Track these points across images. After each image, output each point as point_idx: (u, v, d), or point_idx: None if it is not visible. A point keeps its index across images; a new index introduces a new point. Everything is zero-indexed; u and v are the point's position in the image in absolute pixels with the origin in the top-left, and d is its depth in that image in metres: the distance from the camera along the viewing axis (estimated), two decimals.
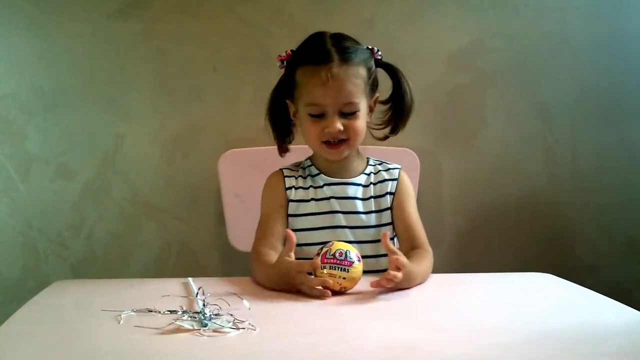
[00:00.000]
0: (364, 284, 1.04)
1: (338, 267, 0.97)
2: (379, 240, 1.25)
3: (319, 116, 1.23)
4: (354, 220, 1.29)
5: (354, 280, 0.99)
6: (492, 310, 0.93)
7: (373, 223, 1.31)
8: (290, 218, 1.30)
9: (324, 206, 1.30)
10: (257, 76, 1.72)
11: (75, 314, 0.92)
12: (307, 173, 1.35)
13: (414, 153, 1.66)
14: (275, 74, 1.71)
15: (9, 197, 1.72)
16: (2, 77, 1.70)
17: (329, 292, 0.99)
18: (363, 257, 1.10)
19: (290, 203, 1.31)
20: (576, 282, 1.09)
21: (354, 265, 0.98)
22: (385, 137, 1.34)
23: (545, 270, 1.17)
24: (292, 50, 1.31)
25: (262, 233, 1.28)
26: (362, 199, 1.31)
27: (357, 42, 1.28)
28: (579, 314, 0.91)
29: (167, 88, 1.72)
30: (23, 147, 1.71)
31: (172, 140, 1.74)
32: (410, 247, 1.27)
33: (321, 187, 1.32)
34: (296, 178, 1.34)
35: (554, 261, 1.78)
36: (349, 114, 1.23)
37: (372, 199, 1.32)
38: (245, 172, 1.67)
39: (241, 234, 1.66)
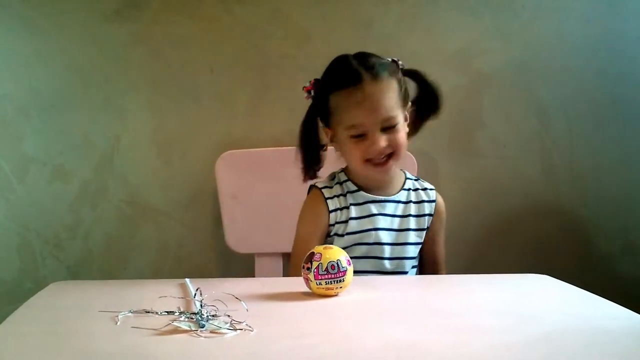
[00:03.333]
0: (363, 284, 1.04)
1: (334, 281, 0.97)
2: (414, 258, 1.32)
3: (361, 136, 1.22)
4: (395, 237, 1.30)
5: (348, 284, 0.99)
6: (489, 311, 0.93)
7: (412, 240, 1.31)
8: (332, 238, 1.30)
9: (365, 224, 1.28)
10: (254, 77, 1.73)
11: (72, 315, 0.91)
12: (345, 190, 1.31)
13: (411, 155, 1.65)
14: (274, 75, 1.72)
15: (6, 199, 1.72)
16: None
17: None
18: (397, 273, 1.22)
19: (336, 225, 1.29)
20: (574, 283, 1.09)
21: (347, 272, 0.98)
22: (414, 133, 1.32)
23: (542, 272, 1.17)
24: (316, 79, 1.29)
25: (300, 256, 1.29)
26: (402, 216, 1.31)
27: (380, 57, 1.27)
28: (576, 315, 0.91)
29: (164, 89, 1.72)
30: (20, 149, 1.71)
31: (169, 141, 1.74)
32: (432, 270, 1.35)
33: (361, 204, 1.30)
34: (338, 197, 1.30)
35: (552, 262, 1.78)
36: (389, 128, 1.22)
37: (412, 217, 1.32)
38: (243, 173, 1.67)
39: (238, 236, 1.66)
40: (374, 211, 1.29)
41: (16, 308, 0.93)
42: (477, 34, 1.75)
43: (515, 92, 1.77)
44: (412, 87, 1.30)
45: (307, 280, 0.99)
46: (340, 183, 1.32)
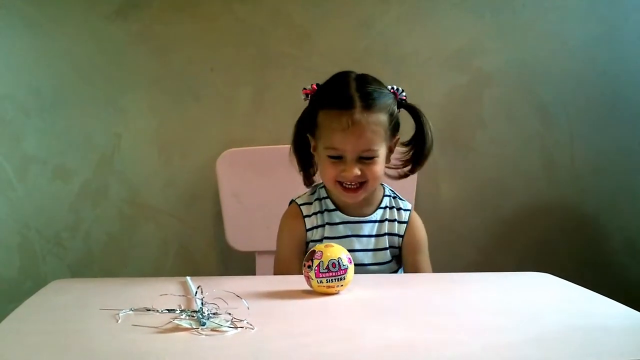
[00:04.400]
0: (364, 282, 1.05)
1: (335, 279, 0.97)
2: (394, 271, 1.31)
3: (338, 158, 1.22)
4: (371, 257, 1.29)
5: (349, 282, 0.99)
6: (491, 310, 0.93)
7: (389, 259, 1.31)
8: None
9: (340, 244, 1.28)
10: (254, 76, 1.73)
11: (73, 313, 0.91)
12: (323, 207, 1.31)
13: None
14: (274, 75, 1.72)
15: (7, 198, 1.72)
16: None
17: None
18: None
19: (310, 243, 1.30)
20: (574, 281, 1.09)
21: (348, 270, 0.98)
22: (400, 177, 1.31)
23: (543, 270, 1.17)
24: (317, 85, 1.27)
25: (280, 272, 1.30)
26: (377, 236, 1.31)
27: (381, 85, 1.25)
28: (577, 313, 0.91)
29: (165, 88, 1.72)
30: (20, 148, 1.71)
31: (170, 140, 1.74)
32: None
33: (337, 224, 1.30)
34: (315, 215, 1.30)
35: (552, 261, 1.78)
36: (367, 158, 1.21)
37: (387, 236, 1.31)
38: (243, 172, 1.67)
39: (239, 234, 1.67)
40: (349, 232, 1.29)
41: (17, 306, 0.93)
42: (478, 33, 1.75)
43: (515, 92, 1.77)
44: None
45: (308, 278, 0.99)
46: (320, 199, 1.32)
